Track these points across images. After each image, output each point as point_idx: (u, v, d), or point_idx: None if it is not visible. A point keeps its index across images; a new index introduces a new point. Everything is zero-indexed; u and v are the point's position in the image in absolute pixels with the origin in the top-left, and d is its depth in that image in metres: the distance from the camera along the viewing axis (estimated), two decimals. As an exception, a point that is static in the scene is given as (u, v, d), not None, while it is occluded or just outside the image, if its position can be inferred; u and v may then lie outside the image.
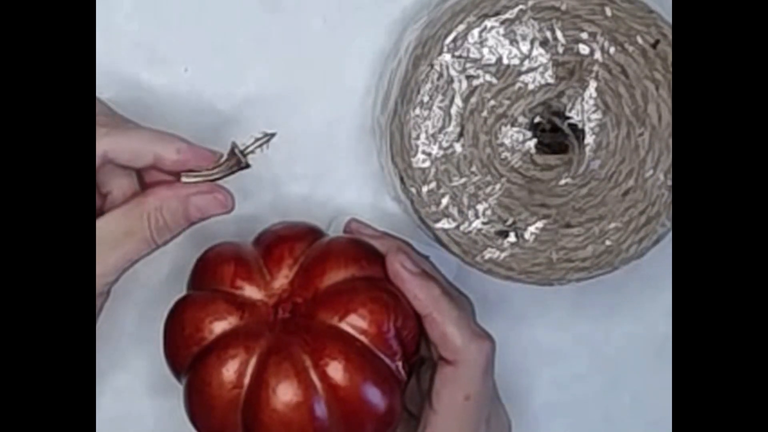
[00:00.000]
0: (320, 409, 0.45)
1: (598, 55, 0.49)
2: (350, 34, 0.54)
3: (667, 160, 0.50)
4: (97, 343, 0.53)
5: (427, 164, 0.50)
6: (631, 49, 0.49)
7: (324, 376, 0.45)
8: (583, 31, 0.49)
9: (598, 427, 0.59)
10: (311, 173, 0.55)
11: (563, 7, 0.48)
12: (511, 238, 0.50)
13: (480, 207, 0.50)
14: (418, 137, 0.49)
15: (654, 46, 0.49)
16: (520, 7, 0.48)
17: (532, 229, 0.50)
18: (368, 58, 0.54)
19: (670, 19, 0.49)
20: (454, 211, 0.50)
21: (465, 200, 0.50)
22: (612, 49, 0.49)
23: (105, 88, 0.53)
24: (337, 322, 0.46)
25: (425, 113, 0.49)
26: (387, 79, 0.52)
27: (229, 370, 0.46)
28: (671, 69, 0.49)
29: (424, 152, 0.50)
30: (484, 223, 0.50)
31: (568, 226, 0.50)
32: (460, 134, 0.49)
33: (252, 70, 0.54)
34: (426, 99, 0.49)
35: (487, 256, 0.50)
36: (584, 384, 0.58)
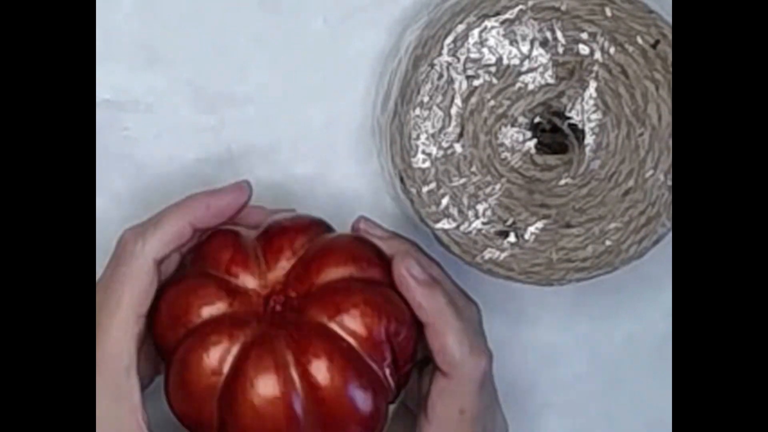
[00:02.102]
0: (297, 407, 0.44)
1: (598, 56, 0.49)
2: (350, 34, 0.54)
3: (667, 160, 0.49)
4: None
5: (427, 164, 0.50)
6: (631, 49, 0.49)
7: (305, 374, 0.44)
8: (583, 31, 0.49)
9: (598, 427, 0.59)
10: (311, 173, 0.55)
11: (563, 8, 0.48)
12: (511, 238, 0.50)
13: (480, 207, 0.50)
14: (418, 137, 0.49)
15: (654, 46, 0.49)
16: (520, 7, 0.48)
17: (532, 229, 0.50)
18: (368, 58, 0.54)
19: (670, 19, 0.49)
20: (454, 211, 0.50)
21: (465, 200, 0.50)
22: (612, 50, 0.49)
23: (105, 88, 0.53)
24: (326, 320, 0.45)
25: (425, 113, 0.49)
26: (387, 79, 0.52)
27: (210, 357, 0.45)
28: (671, 69, 0.49)
29: (424, 152, 0.50)
30: (484, 223, 0.50)
31: (568, 226, 0.50)
32: (460, 134, 0.49)
33: (252, 70, 0.54)
34: (426, 99, 0.49)
35: (487, 256, 0.50)
36: (584, 384, 0.58)
